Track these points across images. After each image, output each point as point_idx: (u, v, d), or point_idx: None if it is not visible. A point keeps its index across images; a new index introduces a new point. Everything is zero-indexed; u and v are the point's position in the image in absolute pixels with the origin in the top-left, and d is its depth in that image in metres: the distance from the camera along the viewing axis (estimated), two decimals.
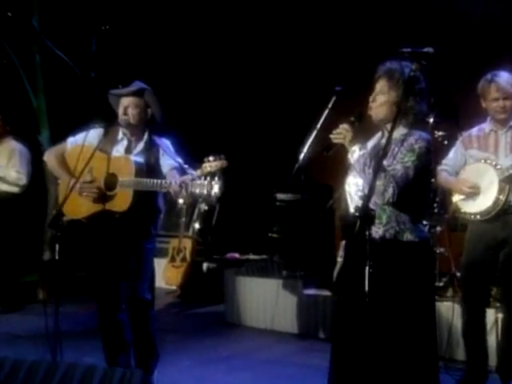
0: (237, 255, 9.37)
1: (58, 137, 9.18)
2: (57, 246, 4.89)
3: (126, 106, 4.98)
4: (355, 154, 3.97)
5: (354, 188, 4.08)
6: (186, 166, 4.83)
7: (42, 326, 7.01)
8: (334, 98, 7.16)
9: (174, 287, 9.14)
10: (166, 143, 5.07)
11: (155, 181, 4.69)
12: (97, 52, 9.52)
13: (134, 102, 4.99)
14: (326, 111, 7.14)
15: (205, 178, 4.49)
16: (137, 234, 4.93)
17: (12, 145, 8.09)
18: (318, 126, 7.16)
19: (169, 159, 4.95)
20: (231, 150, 9.89)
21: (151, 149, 5.02)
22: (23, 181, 7.90)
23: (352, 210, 4.05)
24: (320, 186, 8.32)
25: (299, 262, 7.51)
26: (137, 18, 9.67)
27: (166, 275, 8.90)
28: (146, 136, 5.06)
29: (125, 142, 5.06)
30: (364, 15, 9.12)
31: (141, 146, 5.05)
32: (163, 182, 4.69)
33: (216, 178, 4.48)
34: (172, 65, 9.44)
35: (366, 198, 3.68)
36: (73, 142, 5.14)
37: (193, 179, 4.51)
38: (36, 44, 9.26)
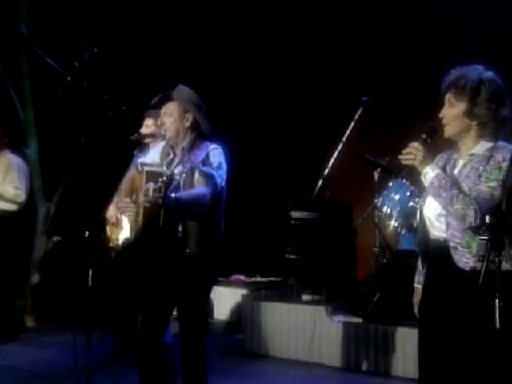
0: (242, 277, 8.77)
1: (47, 150, 8.81)
2: (90, 271, 4.68)
3: (163, 115, 4.59)
4: (428, 175, 3.55)
5: (433, 212, 3.64)
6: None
7: (44, 358, 6.58)
8: (360, 109, 6.71)
9: None
10: (212, 150, 4.52)
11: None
12: (90, 59, 8.98)
13: (165, 109, 4.58)
14: (353, 123, 6.72)
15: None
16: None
17: (9, 158, 7.51)
18: (344, 139, 6.70)
19: (200, 167, 4.40)
20: (241, 163, 9.50)
21: (192, 156, 4.39)
22: (22, 197, 7.30)
23: (433, 235, 3.65)
24: (339, 203, 7.80)
25: (323, 285, 6.94)
26: (132, 22, 9.14)
27: None
28: (186, 144, 4.54)
29: (170, 157, 4.62)
30: (393, 23, 8.72)
31: (179, 155, 4.57)
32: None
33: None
34: (172, 72, 8.82)
35: (496, 221, 3.24)
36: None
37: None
38: (24, 51, 8.75)
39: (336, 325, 6.67)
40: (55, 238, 8.69)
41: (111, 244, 5.98)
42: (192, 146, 4.50)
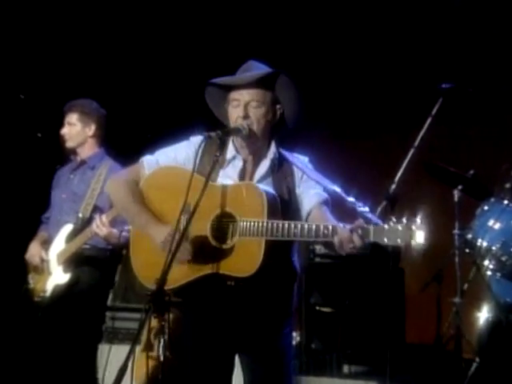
0: None
1: None
2: (164, 337, 3.24)
3: (247, 103, 3.52)
4: None
5: None
6: (351, 200, 3.26)
7: None
8: (440, 101, 5.32)
9: None
10: (303, 162, 3.63)
11: (304, 226, 3.19)
12: None
13: (259, 95, 3.54)
14: (429, 121, 5.25)
15: (397, 221, 3.09)
16: (270, 313, 3.43)
17: None
18: (416, 143, 5.20)
19: (313, 187, 3.48)
20: None
21: (280, 171, 3.55)
22: None
23: None
24: None
25: (388, 352, 4.96)
26: None
27: (138, 372, 5.85)
28: (272, 150, 3.58)
29: (238, 163, 3.58)
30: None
31: (264, 166, 3.55)
32: (320, 227, 3.15)
33: (418, 221, 3.02)
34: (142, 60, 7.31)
35: None
36: (153, 162, 3.64)
37: (375, 223, 3.12)
38: None
39: None
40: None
41: (36, 298, 5.09)
42: (279, 154, 3.62)
